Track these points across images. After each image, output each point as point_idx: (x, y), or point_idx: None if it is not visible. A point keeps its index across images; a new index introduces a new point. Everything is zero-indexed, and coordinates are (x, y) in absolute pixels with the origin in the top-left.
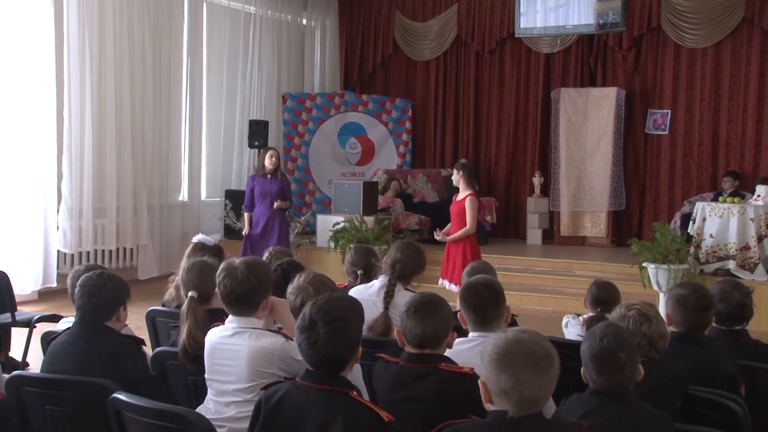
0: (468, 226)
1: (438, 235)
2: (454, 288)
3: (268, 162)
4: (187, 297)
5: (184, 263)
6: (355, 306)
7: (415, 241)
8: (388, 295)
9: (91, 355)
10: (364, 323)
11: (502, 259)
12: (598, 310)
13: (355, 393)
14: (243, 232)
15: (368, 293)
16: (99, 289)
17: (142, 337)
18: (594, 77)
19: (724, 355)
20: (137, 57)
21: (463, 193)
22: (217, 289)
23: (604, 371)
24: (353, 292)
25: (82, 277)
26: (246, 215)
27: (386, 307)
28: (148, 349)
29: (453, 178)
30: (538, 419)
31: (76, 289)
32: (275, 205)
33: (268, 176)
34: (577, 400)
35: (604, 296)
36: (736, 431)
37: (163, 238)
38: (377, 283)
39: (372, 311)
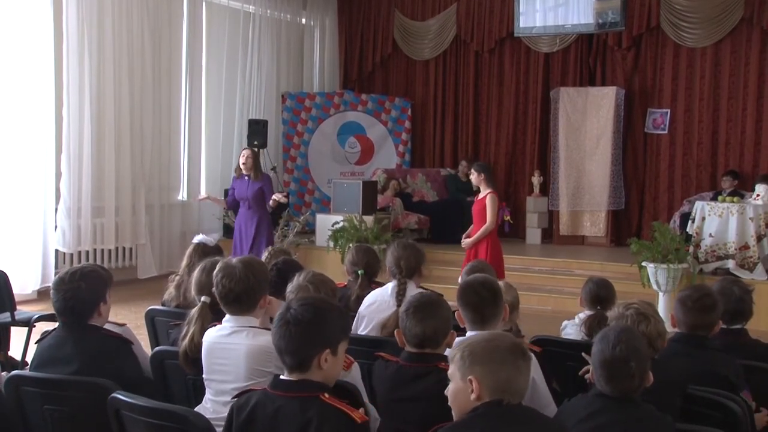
0: (488, 223)
1: (463, 243)
2: None
3: (240, 162)
4: (198, 299)
5: (185, 262)
6: (334, 309)
7: (404, 239)
8: (400, 293)
9: (81, 358)
10: (345, 336)
11: None
12: (597, 308)
13: (326, 395)
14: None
15: (383, 294)
16: (73, 292)
17: (140, 336)
18: (593, 76)
19: (724, 358)
20: (136, 56)
21: (484, 192)
22: (214, 289)
23: (612, 379)
24: (371, 296)
25: (54, 280)
26: (222, 200)
27: (399, 305)
28: (147, 349)
29: (472, 178)
30: (527, 407)
31: (51, 293)
32: (271, 202)
33: (245, 178)
34: (582, 401)
35: (603, 293)
36: (736, 431)
37: (162, 237)
38: (390, 285)
39: (388, 311)
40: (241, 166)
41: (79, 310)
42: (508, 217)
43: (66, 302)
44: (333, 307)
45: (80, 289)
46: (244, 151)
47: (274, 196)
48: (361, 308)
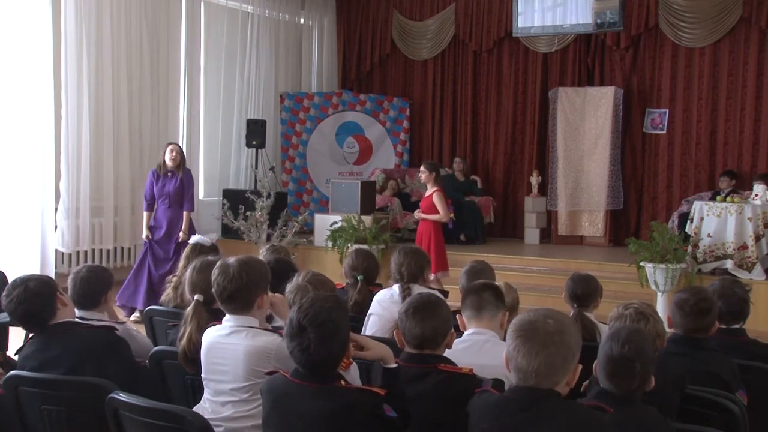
0: (441, 214)
1: (416, 214)
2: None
3: (168, 158)
4: (192, 298)
5: (182, 263)
6: (339, 304)
7: (408, 244)
8: (405, 298)
9: (68, 358)
10: (348, 322)
11: (499, 259)
12: (575, 305)
13: (342, 382)
14: (143, 237)
15: (389, 296)
16: (23, 295)
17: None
18: (592, 76)
19: (721, 358)
20: (135, 56)
21: (431, 190)
22: (212, 288)
23: (615, 377)
24: (378, 298)
25: (2, 294)
26: (145, 215)
27: None
28: (145, 340)
29: (422, 176)
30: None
31: (4, 305)
32: (180, 237)
33: (169, 174)
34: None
35: (579, 290)
36: (734, 431)
37: None
38: (396, 288)
39: (395, 315)
40: (169, 162)
41: (35, 310)
42: (452, 215)
43: (18, 306)
44: (335, 307)
45: (27, 289)
46: (171, 146)
47: (182, 235)
48: (372, 308)
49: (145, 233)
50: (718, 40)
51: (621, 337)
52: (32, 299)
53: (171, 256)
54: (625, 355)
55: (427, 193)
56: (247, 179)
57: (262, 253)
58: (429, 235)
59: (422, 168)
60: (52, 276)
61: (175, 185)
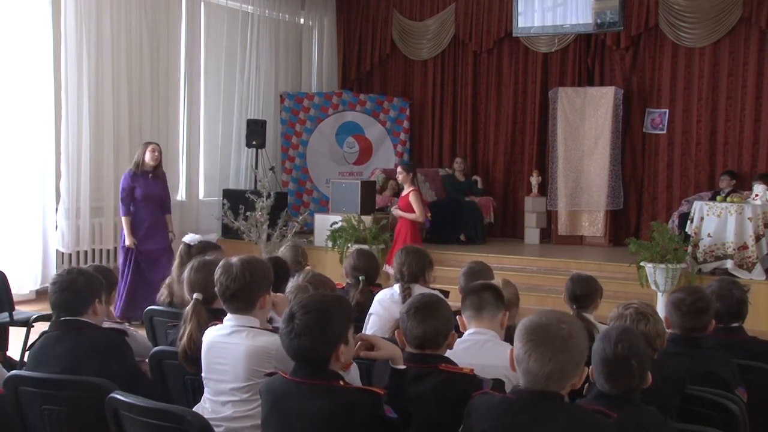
0: (417, 213)
1: (393, 211)
2: (390, 270)
3: (150, 157)
4: (191, 297)
5: (176, 262)
6: (341, 303)
7: (411, 245)
8: (405, 298)
9: (73, 356)
10: (351, 322)
11: (499, 259)
12: (574, 307)
13: (342, 382)
14: (126, 243)
15: (389, 296)
16: (69, 283)
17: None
18: (592, 76)
19: (720, 357)
20: (135, 56)
21: (407, 189)
22: (215, 288)
23: (612, 377)
24: (378, 298)
25: (53, 277)
26: (125, 220)
27: None
28: (144, 340)
29: (399, 177)
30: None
31: (49, 288)
32: (170, 237)
33: (150, 175)
34: (582, 402)
35: (579, 291)
36: (734, 431)
37: None
38: (397, 288)
39: (396, 314)
40: (151, 161)
41: (73, 302)
42: (429, 214)
43: (61, 293)
44: (333, 303)
45: (77, 282)
46: (152, 146)
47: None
48: (372, 308)
49: (130, 240)
50: (718, 40)
51: (612, 338)
52: (69, 293)
53: (161, 257)
54: (619, 355)
55: (404, 193)
56: (247, 179)
57: (281, 251)
58: (405, 233)
59: (399, 169)
60: (52, 275)
61: (160, 187)
